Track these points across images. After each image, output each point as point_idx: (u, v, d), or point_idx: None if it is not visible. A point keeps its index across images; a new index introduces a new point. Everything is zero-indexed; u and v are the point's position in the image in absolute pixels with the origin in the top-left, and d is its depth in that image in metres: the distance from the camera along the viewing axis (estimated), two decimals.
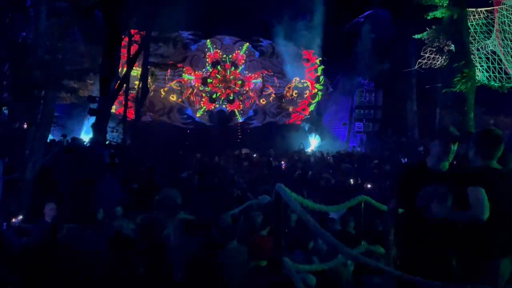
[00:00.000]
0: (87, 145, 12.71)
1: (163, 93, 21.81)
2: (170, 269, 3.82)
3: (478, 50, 11.48)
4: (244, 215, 5.36)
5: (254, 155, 16.52)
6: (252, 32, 22.78)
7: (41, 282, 3.76)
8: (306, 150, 19.83)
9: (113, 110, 13.66)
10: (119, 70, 12.36)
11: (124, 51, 14.33)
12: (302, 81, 23.12)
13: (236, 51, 23.05)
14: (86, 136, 18.42)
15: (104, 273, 3.72)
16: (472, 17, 11.64)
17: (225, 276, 3.86)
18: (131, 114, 16.68)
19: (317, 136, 23.22)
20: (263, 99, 23.24)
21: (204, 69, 22.68)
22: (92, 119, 11.47)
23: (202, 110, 22.64)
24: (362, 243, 4.99)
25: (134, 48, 15.40)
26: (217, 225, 4.88)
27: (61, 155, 8.78)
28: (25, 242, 4.56)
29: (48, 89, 7.22)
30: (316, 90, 23.31)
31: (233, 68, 22.97)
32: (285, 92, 23.45)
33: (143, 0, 13.90)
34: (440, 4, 11.88)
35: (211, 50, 22.77)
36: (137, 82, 16.73)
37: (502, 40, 10.76)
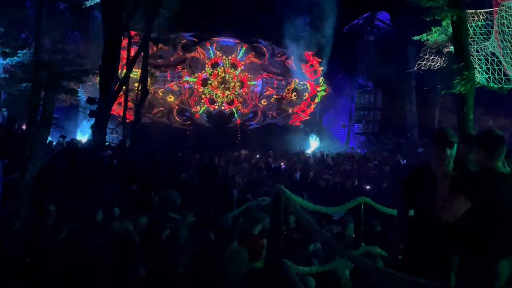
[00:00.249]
0: (86, 146, 12.71)
1: (160, 94, 21.82)
2: (170, 269, 3.82)
3: (477, 51, 11.49)
4: (244, 216, 5.36)
5: (254, 156, 16.53)
6: (251, 34, 22.77)
7: (41, 282, 3.77)
8: (306, 152, 19.84)
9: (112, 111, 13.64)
10: (119, 71, 12.36)
11: (123, 53, 14.32)
12: (301, 82, 23.10)
13: (236, 53, 23.04)
14: (82, 137, 18.48)
15: (104, 273, 3.73)
16: (471, 18, 11.65)
17: (225, 278, 3.85)
18: (130, 116, 16.66)
19: (317, 138, 23.22)
20: (264, 100, 23.21)
21: (203, 71, 22.66)
22: (92, 121, 11.47)
23: (202, 110, 22.61)
24: (362, 244, 4.99)
25: (133, 50, 15.39)
26: (217, 226, 4.88)
27: (61, 156, 8.79)
28: (25, 244, 4.56)
29: (48, 90, 7.23)
30: (315, 92, 23.30)
31: (232, 69, 22.96)
32: (284, 93, 23.43)
33: (143, 1, 13.88)
34: (440, 5, 11.88)
35: (211, 52, 22.76)
36: (136, 84, 16.72)
37: (501, 41, 10.76)
